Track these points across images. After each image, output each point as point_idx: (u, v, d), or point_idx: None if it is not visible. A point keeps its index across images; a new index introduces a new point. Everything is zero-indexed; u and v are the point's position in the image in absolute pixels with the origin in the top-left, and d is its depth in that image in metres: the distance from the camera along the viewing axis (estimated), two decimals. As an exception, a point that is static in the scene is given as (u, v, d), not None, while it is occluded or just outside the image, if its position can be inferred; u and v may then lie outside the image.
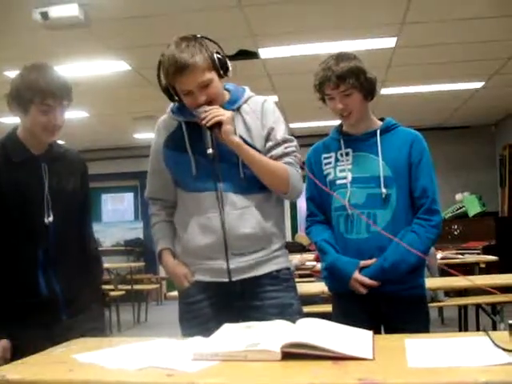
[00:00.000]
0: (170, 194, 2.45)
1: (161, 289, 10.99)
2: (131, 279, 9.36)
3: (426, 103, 8.65)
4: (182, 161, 2.33)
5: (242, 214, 2.27)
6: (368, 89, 2.51)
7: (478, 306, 5.68)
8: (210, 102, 2.23)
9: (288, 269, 2.41)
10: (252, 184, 2.30)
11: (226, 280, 2.28)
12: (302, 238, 8.86)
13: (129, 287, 8.93)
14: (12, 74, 5.75)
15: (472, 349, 1.63)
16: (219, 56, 2.25)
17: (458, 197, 9.93)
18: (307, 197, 2.70)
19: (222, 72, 2.27)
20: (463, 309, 5.99)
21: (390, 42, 5.94)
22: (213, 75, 2.23)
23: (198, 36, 2.25)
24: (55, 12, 4.46)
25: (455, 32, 5.73)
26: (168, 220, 2.47)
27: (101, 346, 1.92)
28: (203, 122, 2.20)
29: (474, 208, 9.83)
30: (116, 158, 11.69)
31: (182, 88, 2.21)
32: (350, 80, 2.44)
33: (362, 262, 2.49)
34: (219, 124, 2.19)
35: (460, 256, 6.63)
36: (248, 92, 2.41)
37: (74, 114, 8.14)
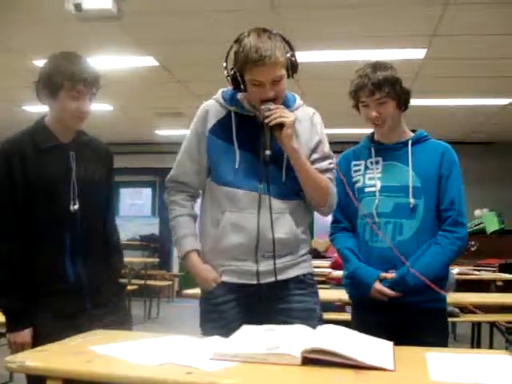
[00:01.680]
0: (199, 182, 2.38)
1: (173, 286, 11.00)
2: (145, 274, 9.38)
3: (450, 117, 8.60)
4: (225, 152, 2.28)
5: (278, 219, 2.24)
6: (402, 99, 2.52)
7: (492, 324, 5.62)
8: (273, 100, 2.19)
9: (311, 274, 2.40)
10: (290, 190, 2.28)
11: (255, 282, 2.25)
12: (317, 243, 8.83)
13: (142, 282, 8.94)
14: (40, 63, 5.78)
15: (494, 366, 1.61)
16: (294, 57, 2.22)
17: (477, 213, 9.84)
18: None
19: (291, 72, 2.23)
20: (477, 326, 5.93)
21: (419, 53, 5.91)
22: (284, 73, 2.20)
23: (275, 32, 2.20)
24: (88, 4, 4.46)
25: (485, 47, 5.69)
26: (192, 214, 2.40)
27: (119, 339, 1.93)
28: (266, 120, 2.16)
29: (492, 225, 9.73)
30: (136, 153, 11.70)
31: (256, 78, 2.15)
32: (385, 88, 2.45)
33: (383, 274, 2.48)
34: (281, 125, 2.16)
35: (476, 272, 6.57)
36: (299, 100, 2.39)
37: (97, 107, 8.16)
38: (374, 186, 2.54)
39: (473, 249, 9.30)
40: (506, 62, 6.10)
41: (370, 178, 2.58)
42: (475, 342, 5.95)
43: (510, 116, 8.55)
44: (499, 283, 6.26)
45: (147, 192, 12.65)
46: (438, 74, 6.63)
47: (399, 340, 2.25)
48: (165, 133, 10.66)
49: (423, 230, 2.48)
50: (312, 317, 2.27)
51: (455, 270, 6.05)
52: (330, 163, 2.35)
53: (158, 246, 11.84)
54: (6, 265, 2.33)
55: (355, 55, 5.86)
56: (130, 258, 9.59)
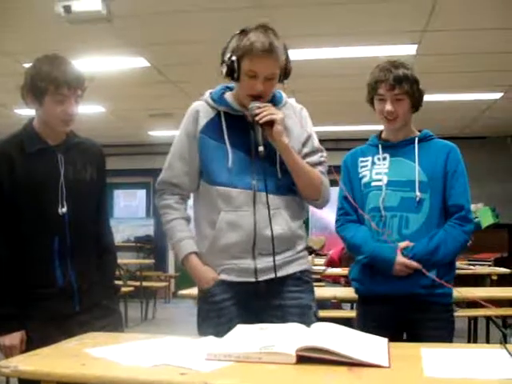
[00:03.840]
0: (191, 183, 2.38)
1: (169, 287, 10.99)
2: (140, 276, 9.36)
3: (443, 112, 8.60)
4: (217, 152, 2.29)
5: (273, 215, 2.25)
6: (417, 99, 2.61)
7: (488, 319, 5.63)
8: (259, 97, 2.22)
9: (308, 271, 2.41)
10: (285, 185, 2.30)
11: (253, 280, 2.27)
12: (312, 241, 8.84)
13: (138, 284, 8.91)
14: (32, 66, 5.77)
15: (488, 361, 1.61)
16: (289, 64, 2.28)
17: (472, 207, 9.84)
18: (342, 195, 2.72)
19: (283, 77, 2.28)
20: (473, 320, 5.94)
21: (410, 50, 5.90)
22: (278, 73, 2.24)
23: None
24: (78, 6, 4.45)
25: (476, 41, 5.69)
26: (185, 217, 2.41)
27: (113, 341, 1.92)
28: (256, 118, 2.19)
29: (487, 219, 9.74)
30: (130, 155, 11.68)
31: (253, 68, 2.18)
32: (405, 85, 2.53)
33: (401, 245, 2.51)
34: (271, 123, 2.19)
35: (472, 267, 6.58)
36: (285, 96, 2.42)
37: (90, 109, 8.16)
38: (380, 180, 2.59)
39: (468, 243, 9.31)
40: (497, 55, 6.11)
41: (376, 173, 2.62)
42: (472, 337, 5.97)
43: (502, 110, 8.57)
44: (494, 277, 6.26)
45: (141, 193, 12.63)
46: (429, 69, 6.61)
47: (405, 332, 2.33)
48: (158, 134, 10.64)
49: (429, 224, 2.53)
50: (307, 313, 2.28)
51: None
52: (321, 156, 2.38)
53: (154, 247, 11.82)
54: None
55: (345, 52, 5.87)
56: (126, 260, 9.58)
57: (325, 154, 2.41)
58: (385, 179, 2.57)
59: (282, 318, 2.03)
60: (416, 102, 2.60)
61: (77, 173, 2.43)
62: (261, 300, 2.27)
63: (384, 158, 2.63)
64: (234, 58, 2.21)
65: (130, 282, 8.80)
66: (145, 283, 9.28)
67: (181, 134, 2.39)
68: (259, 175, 2.25)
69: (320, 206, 2.42)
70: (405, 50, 5.90)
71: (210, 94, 2.39)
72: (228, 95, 2.35)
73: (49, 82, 2.28)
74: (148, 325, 8.62)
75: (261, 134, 2.20)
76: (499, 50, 5.94)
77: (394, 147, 2.64)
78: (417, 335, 2.47)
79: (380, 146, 2.66)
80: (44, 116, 2.37)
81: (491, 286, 6.33)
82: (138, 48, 5.96)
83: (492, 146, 10.53)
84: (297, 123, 2.36)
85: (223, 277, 2.30)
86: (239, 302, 2.29)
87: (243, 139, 2.28)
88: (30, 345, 2.20)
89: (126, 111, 9.02)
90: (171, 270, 12.02)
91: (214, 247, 2.30)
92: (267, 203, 2.23)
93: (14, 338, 2.30)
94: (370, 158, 2.67)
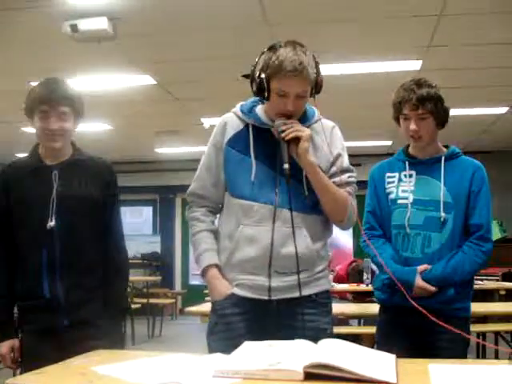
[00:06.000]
0: (217, 195, 2.36)
1: (176, 303, 10.97)
2: (147, 293, 9.36)
3: (449, 127, 8.57)
4: (242, 164, 2.27)
5: (293, 233, 2.20)
6: (442, 117, 2.62)
7: (496, 334, 5.59)
8: (290, 115, 2.20)
9: (327, 291, 2.35)
10: (310, 204, 2.26)
11: (266, 298, 2.23)
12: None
13: (144, 301, 8.91)
14: (39, 84, 5.81)
15: (497, 377, 1.60)
16: (320, 78, 2.23)
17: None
18: (368, 210, 2.77)
19: (314, 92, 2.23)
20: (482, 336, 5.90)
21: (415, 65, 5.92)
22: (309, 90, 2.20)
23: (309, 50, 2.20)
24: (84, 25, 4.51)
25: (481, 56, 5.71)
26: (211, 229, 2.37)
27: (120, 359, 1.91)
28: (282, 134, 2.16)
29: (494, 234, 9.72)
30: (136, 172, 11.71)
31: (283, 88, 2.15)
32: (429, 105, 2.55)
33: (420, 268, 2.57)
34: (297, 140, 2.16)
35: (479, 282, 6.54)
36: (318, 113, 2.37)
37: (97, 127, 8.20)
38: (406, 198, 2.63)
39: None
40: (502, 70, 6.13)
41: (403, 191, 2.67)
42: (480, 352, 5.92)
43: (508, 124, 8.57)
44: (502, 292, 6.24)
45: (148, 210, 12.65)
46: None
47: (422, 342, 2.49)
48: (164, 151, 10.67)
49: (450, 243, 2.60)
50: (321, 337, 2.10)
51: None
52: (350, 176, 2.32)
53: (160, 263, 11.81)
54: None
55: (350, 69, 5.88)
56: (132, 277, 9.53)
57: (354, 174, 2.35)
58: (411, 197, 2.62)
59: (292, 339, 1.97)
60: (441, 120, 2.62)
61: (72, 189, 2.46)
62: (272, 319, 2.22)
63: (410, 175, 2.67)
64: (263, 76, 2.18)
65: (136, 299, 8.80)
66: (151, 300, 9.26)
67: (209, 146, 2.38)
68: (283, 191, 2.21)
69: (345, 227, 2.36)
70: (409, 66, 5.92)
71: (241, 106, 2.37)
72: (259, 108, 2.32)
73: (34, 100, 2.41)
74: (155, 342, 8.59)
75: (287, 151, 2.16)
76: (504, 65, 5.96)
77: (421, 164, 2.67)
78: (433, 347, 2.52)
79: (407, 163, 2.69)
80: (36, 133, 2.47)
81: (499, 301, 6.29)
82: (143, 66, 6.00)
83: (499, 160, 10.50)
84: (325, 141, 2.30)
85: (236, 291, 2.26)
86: (250, 319, 2.25)
87: (269, 153, 2.24)
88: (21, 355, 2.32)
89: (132, 128, 9.06)
90: (178, 287, 12.01)
91: (230, 261, 2.28)
92: (290, 220, 2.20)
93: (3, 347, 2.39)
94: (396, 174, 2.71)
